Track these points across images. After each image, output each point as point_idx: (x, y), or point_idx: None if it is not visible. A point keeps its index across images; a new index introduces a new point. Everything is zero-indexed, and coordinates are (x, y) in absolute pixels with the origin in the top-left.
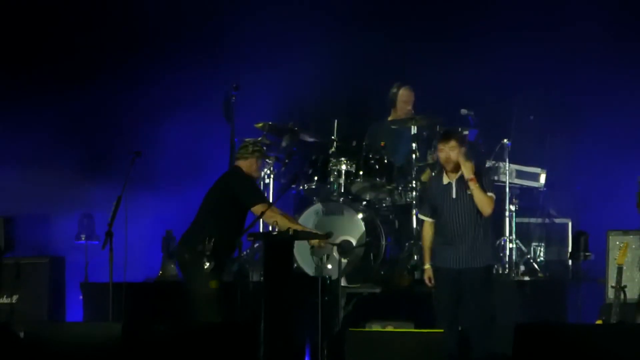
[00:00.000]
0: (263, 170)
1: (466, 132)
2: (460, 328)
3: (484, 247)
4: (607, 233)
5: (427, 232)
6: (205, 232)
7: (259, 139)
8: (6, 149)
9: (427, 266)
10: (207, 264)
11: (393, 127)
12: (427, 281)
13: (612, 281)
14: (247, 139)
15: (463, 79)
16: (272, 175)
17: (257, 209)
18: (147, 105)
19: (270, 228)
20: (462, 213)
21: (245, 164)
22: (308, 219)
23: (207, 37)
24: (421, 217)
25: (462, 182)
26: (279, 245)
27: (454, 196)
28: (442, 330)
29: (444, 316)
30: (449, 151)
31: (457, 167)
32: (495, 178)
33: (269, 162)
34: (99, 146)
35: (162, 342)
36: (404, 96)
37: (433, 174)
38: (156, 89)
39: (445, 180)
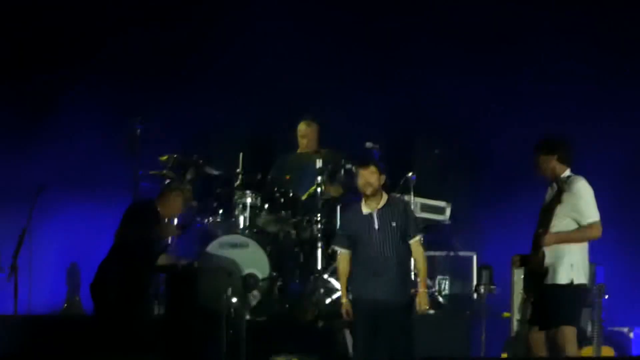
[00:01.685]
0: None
1: None
2: None
3: (407, 279)
4: (511, 266)
5: (344, 265)
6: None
7: (164, 172)
8: None
9: (344, 300)
10: None
11: (302, 160)
12: (344, 315)
13: (517, 315)
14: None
15: (368, 113)
16: None
17: None
18: (51, 136)
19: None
20: (386, 243)
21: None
22: (213, 251)
23: (111, 67)
24: (336, 248)
25: (385, 212)
26: (183, 278)
27: (376, 227)
28: None
29: (362, 350)
30: (369, 176)
31: (375, 194)
32: None
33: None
34: (2, 178)
35: None
36: (300, 131)
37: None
38: (61, 118)
39: (365, 210)
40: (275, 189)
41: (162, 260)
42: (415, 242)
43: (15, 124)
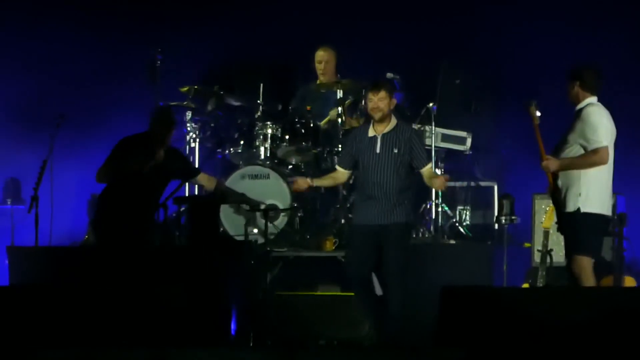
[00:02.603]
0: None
1: None
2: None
3: (405, 205)
4: (532, 196)
5: (334, 175)
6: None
7: (185, 102)
8: None
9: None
10: None
11: (322, 90)
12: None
13: (538, 245)
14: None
15: (389, 43)
16: (197, 140)
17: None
18: (73, 69)
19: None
20: (385, 168)
21: None
22: (234, 183)
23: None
24: (337, 167)
25: (388, 137)
26: (205, 209)
27: (377, 150)
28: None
29: (359, 276)
30: (378, 102)
31: (384, 119)
32: None
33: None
34: (23, 109)
35: None
36: (317, 56)
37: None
38: (81, 53)
39: (371, 133)
40: (296, 119)
41: (204, 179)
42: (427, 170)
43: (34, 51)
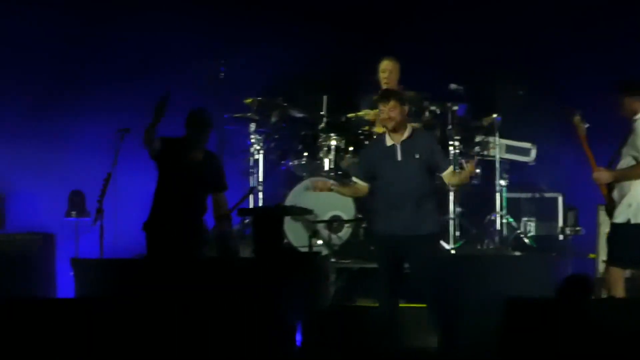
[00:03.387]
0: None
1: (455, 107)
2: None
3: (429, 213)
4: (597, 207)
5: (353, 191)
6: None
7: (248, 114)
8: None
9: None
10: None
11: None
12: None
13: (603, 256)
14: None
15: (453, 53)
16: (261, 151)
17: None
18: (133, 80)
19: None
20: (408, 176)
21: None
22: (298, 195)
23: (195, 12)
24: (355, 180)
25: (409, 144)
26: (269, 220)
27: (399, 158)
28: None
29: (384, 286)
30: (389, 112)
31: (398, 128)
32: (485, 153)
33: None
34: (87, 122)
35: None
36: (382, 65)
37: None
38: (143, 64)
39: (389, 142)
40: (359, 130)
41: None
42: (448, 173)
43: (97, 67)
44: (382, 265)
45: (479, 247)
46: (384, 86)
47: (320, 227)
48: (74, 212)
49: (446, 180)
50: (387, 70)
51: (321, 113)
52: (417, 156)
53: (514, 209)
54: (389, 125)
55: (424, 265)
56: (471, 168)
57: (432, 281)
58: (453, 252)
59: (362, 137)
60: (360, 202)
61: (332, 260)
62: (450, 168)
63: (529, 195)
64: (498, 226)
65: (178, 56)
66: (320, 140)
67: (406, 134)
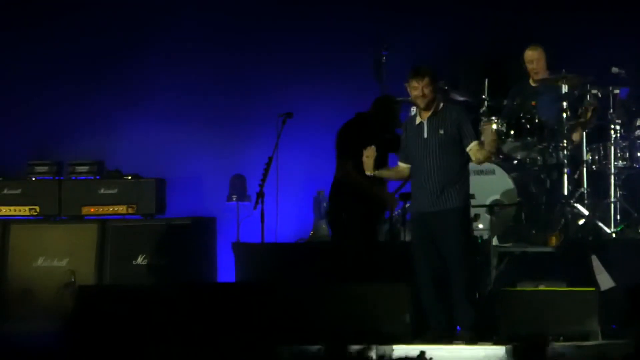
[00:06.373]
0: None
1: (617, 91)
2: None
3: (457, 188)
4: None
5: (398, 169)
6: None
7: (409, 98)
8: (159, 109)
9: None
10: None
11: (545, 87)
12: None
13: None
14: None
15: (615, 36)
16: None
17: None
18: (297, 67)
19: None
20: (433, 153)
21: None
22: None
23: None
24: (399, 162)
25: (434, 121)
26: None
27: (425, 136)
28: (593, 289)
29: (419, 265)
30: (423, 88)
31: (429, 105)
32: None
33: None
34: (249, 107)
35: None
36: (526, 56)
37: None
38: (306, 51)
39: (418, 120)
40: (521, 114)
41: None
42: (472, 148)
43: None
44: (413, 241)
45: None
46: (534, 76)
47: (482, 211)
48: (235, 196)
49: (473, 157)
50: (533, 60)
51: (483, 97)
52: (441, 131)
53: None
54: (421, 103)
55: (448, 241)
56: (490, 135)
57: (459, 256)
58: (614, 235)
59: (523, 121)
60: (522, 187)
61: (494, 244)
62: (473, 143)
63: None
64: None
65: (340, 41)
66: (481, 123)
67: (434, 111)
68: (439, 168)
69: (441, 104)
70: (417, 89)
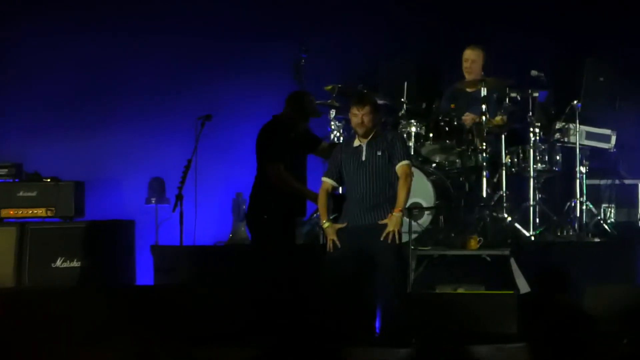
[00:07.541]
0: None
1: (536, 94)
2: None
3: (392, 204)
4: None
5: (322, 194)
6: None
7: (329, 101)
8: (73, 114)
9: (326, 224)
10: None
11: (467, 89)
12: (329, 242)
13: None
14: None
15: (534, 40)
16: (341, 138)
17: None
18: (217, 69)
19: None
20: (370, 175)
21: None
22: None
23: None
24: (325, 179)
25: (372, 145)
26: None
27: (363, 159)
28: (512, 292)
29: (337, 273)
30: (363, 117)
31: (367, 134)
32: (565, 140)
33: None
34: (168, 109)
35: None
36: (465, 54)
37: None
38: (222, 53)
39: (356, 143)
40: (440, 117)
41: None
42: (401, 166)
43: (180, 55)
44: (340, 253)
45: (558, 233)
46: (467, 75)
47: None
48: (153, 199)
49: (398, 174)
50: (469, 60)
51: (402, 100)
52: (379, 153)
53: (594, 195)
54: (359, 130)
55: (381, 253)
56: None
57: (387, 268)
58: (532, 238)
59: (442, 124)
60: (440, 190)
61: (412, 247)
62: (404, 162)
63: (608, 181)
64: (578, 213)
65: (258, 42)
66: (400, 127)
67: (373, 135)
68: (375, 187)
69: (380, 132)
70: (357, 116)
